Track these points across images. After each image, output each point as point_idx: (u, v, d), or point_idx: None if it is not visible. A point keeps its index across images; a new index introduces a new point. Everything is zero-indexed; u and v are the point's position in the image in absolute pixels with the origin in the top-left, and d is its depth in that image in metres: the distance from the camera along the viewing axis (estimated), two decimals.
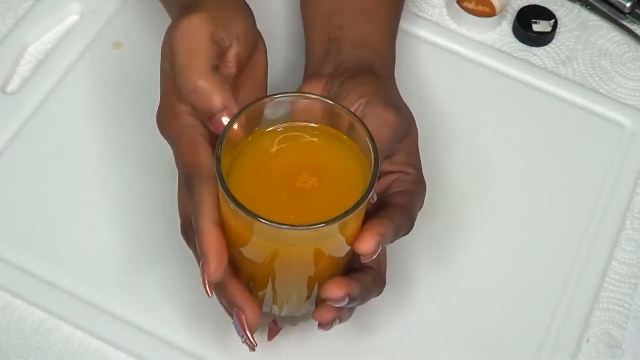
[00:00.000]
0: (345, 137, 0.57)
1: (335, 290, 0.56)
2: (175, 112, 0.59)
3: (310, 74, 0.68)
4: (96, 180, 0.71)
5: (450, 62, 0.80)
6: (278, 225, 0.52)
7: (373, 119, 0.60)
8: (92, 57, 0.77)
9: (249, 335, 0.57)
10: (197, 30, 0.58)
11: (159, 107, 0.61)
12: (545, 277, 0.70)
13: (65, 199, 0.70)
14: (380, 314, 0.67)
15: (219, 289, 0.58)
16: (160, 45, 0.60)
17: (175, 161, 0.60)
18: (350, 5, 0.70)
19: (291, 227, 0.52)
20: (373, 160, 0.55)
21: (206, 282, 0.55)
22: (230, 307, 0.57)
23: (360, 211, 0.54)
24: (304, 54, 0.71)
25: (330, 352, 0.66)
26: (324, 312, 0.58)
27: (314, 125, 0.58)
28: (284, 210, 0.54)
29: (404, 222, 0.58)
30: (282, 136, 0.57)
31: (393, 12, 0.72)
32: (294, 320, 0.63)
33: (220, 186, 0.53)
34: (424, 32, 0.82)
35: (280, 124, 0.57)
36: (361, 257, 0.56)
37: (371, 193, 0.53)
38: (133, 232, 0.69)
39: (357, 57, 0.66)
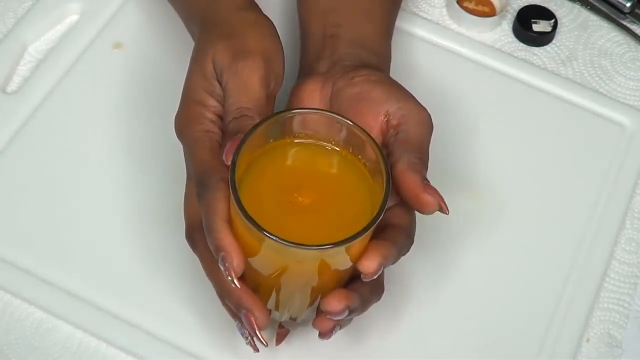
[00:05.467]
0: (355, 156, 0.58)
1: (335, 304, 0.57)
2: (197, 117, 0.61)
3: (305, 72, 0.68)
4: (96, 180, 0.71)
5: (450, 62, 0.80)
6: (286, 244, 0.52)
7: (412, 118, 0.61)
8: (92, 57, 0.77)
9: (260, 336, 0.57)
10: (251, 73, 0.61)
11: (180, 110, 0.62)
12: (546, 277, 0.70)
13: (65, 199, 0.70)
14: (380, 316, 0.67)
15: (225, 293, 0.58)
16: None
17: (188, 163, 0.61)
18: (346, 4, 0.70)
19: (299, 247, 0.52)
20: (385, 183, 0.55)
21: (233, 276, 0.55)
22: (238, 310, 0.57)
23: (369, 234, 0.55)
24: (299, 51, 0.71)
25: (330, 354, 0.65)
26: (324, 321, 0.58)
27: (325, 142, 0.58)
28: (292, 226, 0.54)
29: (405, 243, 0.59)
30: (294, 151, 0.58)
31: (390, 11, 0.72)
32: (293, 325, 0.63)
33: (233, 198, 0.53)
34: (424, 32, 0.81)
35: (294, 138, 0.58)
36: (362, 276, 0.56)
37: (380, 217, 0.54)
38: (133, 231, 0.69)
39: (353, 55, 0.66)
